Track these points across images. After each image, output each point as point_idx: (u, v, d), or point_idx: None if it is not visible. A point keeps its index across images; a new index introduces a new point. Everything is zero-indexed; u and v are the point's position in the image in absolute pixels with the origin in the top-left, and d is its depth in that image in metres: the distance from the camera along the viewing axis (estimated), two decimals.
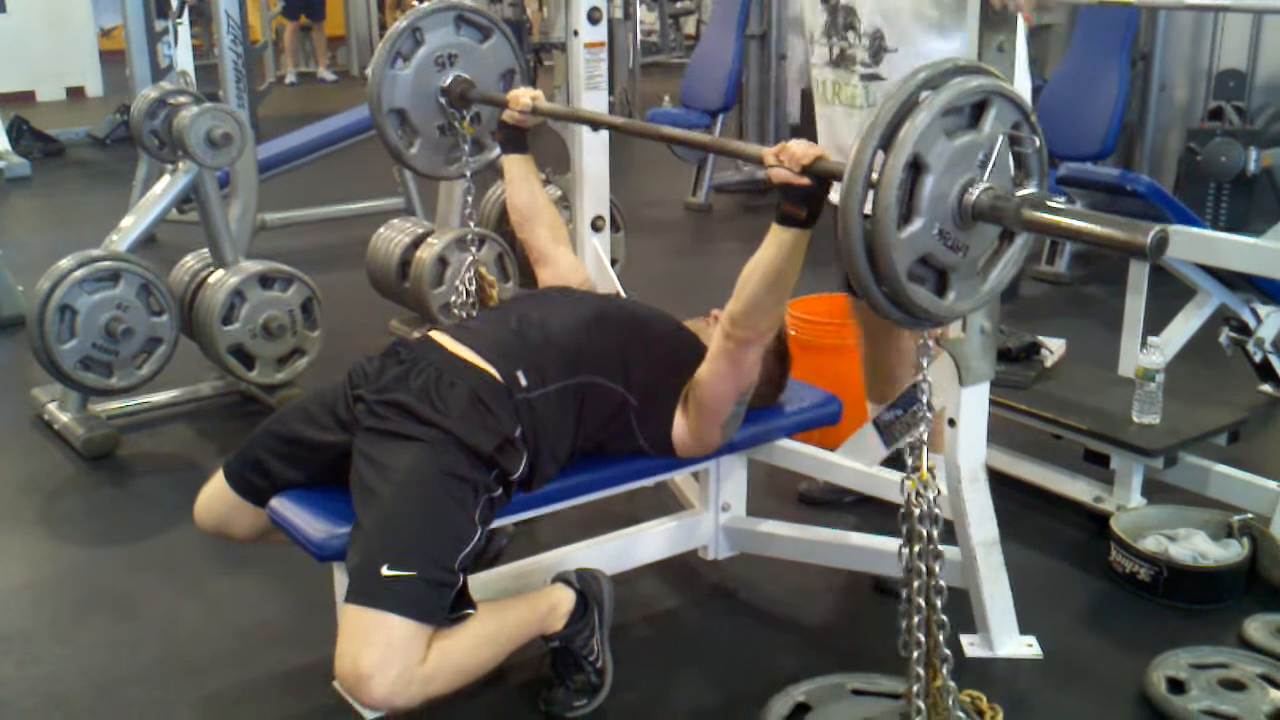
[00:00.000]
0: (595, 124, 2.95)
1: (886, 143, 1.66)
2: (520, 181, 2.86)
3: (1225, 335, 3.72)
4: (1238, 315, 3.61)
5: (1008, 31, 2.21)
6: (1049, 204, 1.70)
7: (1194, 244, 3.14)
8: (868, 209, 1.68)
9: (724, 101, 6.85)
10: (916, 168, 1.67)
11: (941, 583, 1.96)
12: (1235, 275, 3.38)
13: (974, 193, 1.71)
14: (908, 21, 2.59)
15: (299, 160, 6.19)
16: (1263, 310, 3.57)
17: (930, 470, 1.94)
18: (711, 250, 6.40)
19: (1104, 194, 3.28)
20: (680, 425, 2.42)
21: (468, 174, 3.04)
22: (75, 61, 11.54)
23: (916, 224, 1.68)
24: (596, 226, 3.16)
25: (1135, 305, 3.39)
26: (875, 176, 1.66)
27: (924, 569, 1.95)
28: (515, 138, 2.86)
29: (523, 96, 2.79)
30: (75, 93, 11.65)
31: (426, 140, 3.02)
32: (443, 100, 2.98)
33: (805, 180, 2.03)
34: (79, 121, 9.63)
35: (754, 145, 2.18)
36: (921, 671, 1.98)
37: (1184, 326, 3.48)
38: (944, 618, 1.97)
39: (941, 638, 1.98)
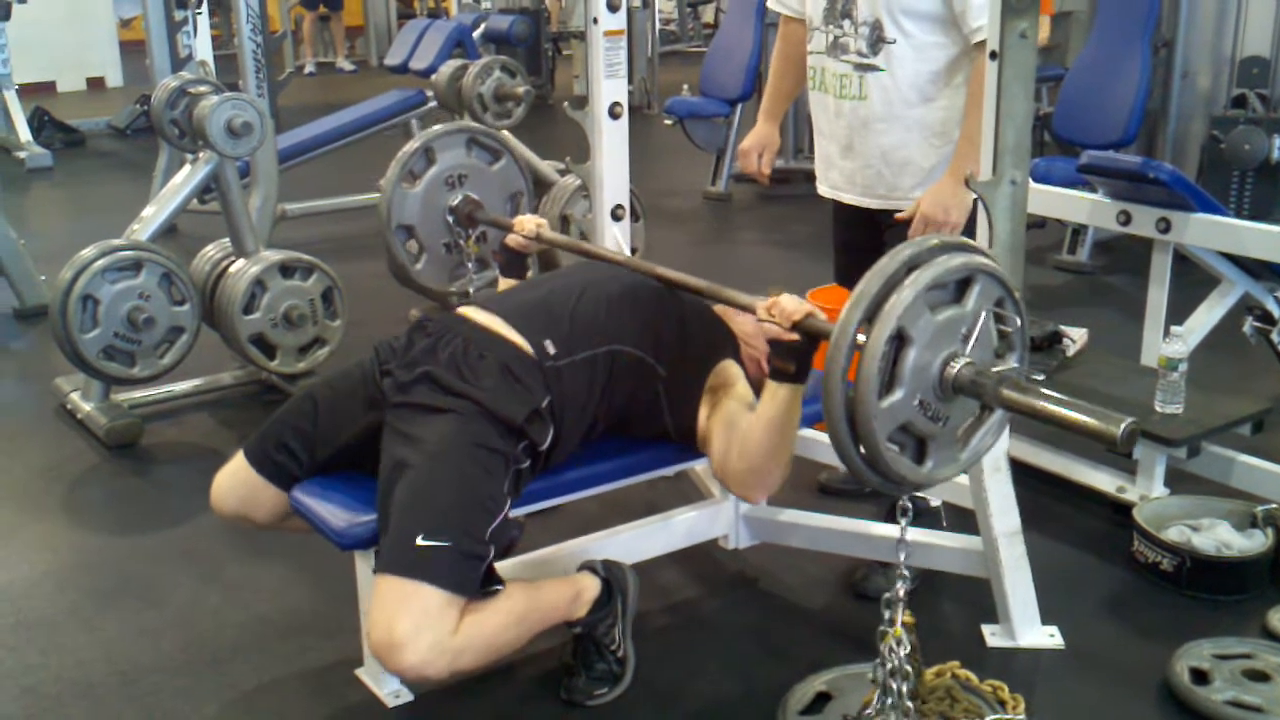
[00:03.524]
0: (598, 258, 2.93)
1: (872, 315, 1.69)
2: None
3: (1249, 324, 3.68)
4: (1261, 304, 3.58)
5: (1030, 18, 2.20)
6: (1027, 385, 1.73)
7: (1217, 232, 3.12)
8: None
9: (743, 90, 6.83)
10: (900, 340, 1.70)
11: None
12: (1259, 264, 3.34)
13: (955, 367, 1.74)
14: (907, 15, 2.57)
15: (319, 150, 6.20)
16: None
17: (905, 625, 1.96)
18: (731, 239, 6.39)
19: (1126, 182, 3.24)
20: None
21: (471, 291, 3.05)
22: (95, 52, 11.62)
23: (898, 394, 1.71)
24: (616, 215, 3.15)
25: (1158, 294, 3.37)
26: (861, 340, 1.68)
27: None
28: (516, 262, 2.88)
29: (528, 223, 2.84)
30: (95, 83, 11.72)
31: (433, 256, 3.05)
32: (450, 219, 3.00)
33: (795, 336, 2.06)
34: (100, 112, 9.67)
35: (746, 296, 2.21)
36: None
37: (1207, 315, 3.44)
38: None
39: None
